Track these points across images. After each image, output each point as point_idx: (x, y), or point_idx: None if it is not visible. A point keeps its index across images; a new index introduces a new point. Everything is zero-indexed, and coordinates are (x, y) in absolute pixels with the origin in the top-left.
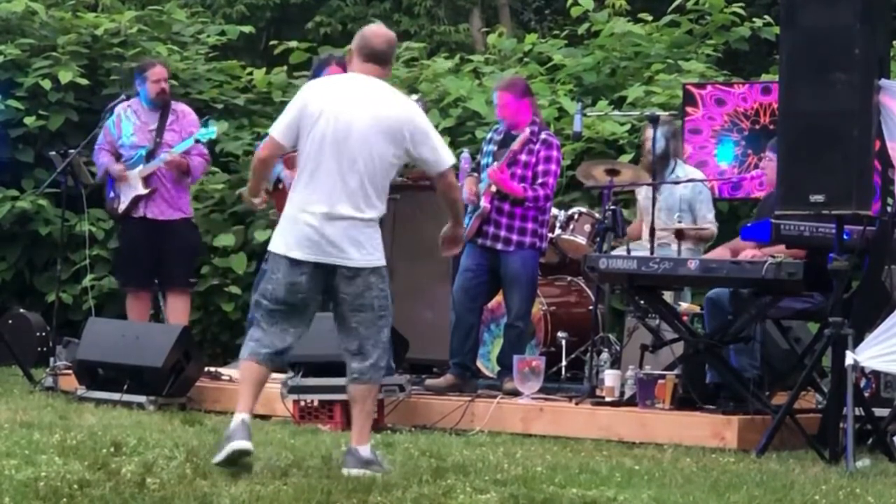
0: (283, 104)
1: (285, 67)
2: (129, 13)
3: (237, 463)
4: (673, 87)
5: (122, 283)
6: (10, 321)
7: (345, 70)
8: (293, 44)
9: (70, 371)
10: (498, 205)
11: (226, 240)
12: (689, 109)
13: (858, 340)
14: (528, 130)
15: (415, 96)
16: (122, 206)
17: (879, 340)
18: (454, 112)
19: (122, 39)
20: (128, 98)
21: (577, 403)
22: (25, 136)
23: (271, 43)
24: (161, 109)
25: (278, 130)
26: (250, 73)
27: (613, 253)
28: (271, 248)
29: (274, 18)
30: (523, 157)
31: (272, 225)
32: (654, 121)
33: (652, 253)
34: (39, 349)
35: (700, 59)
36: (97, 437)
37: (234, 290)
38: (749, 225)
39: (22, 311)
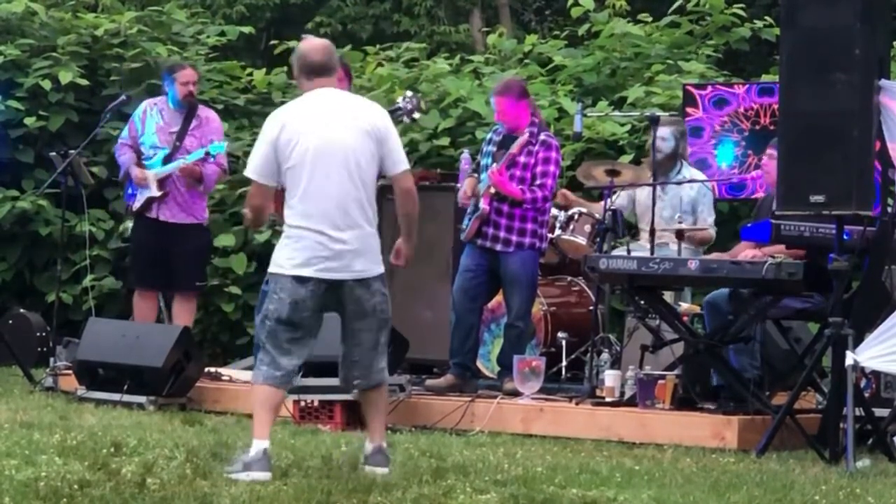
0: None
1: (285, 68)
2: (129, 14)
3: None
4: (673, 88)
5: (131, 283)
6: (10, 321)
7: (348, 72)
8: (293, 44)
9: (70, 371)
10: (497, 206)
11: (226, 240)
12: (689, 110)
13: (858, 340)
14: (527, 133)
15: (409, 92)
16: (137, 205)
17: (879, 340)
18: (454, 112)
19: (122, 40)
20: (128, 98)
21: (577, 404)
22: (25, 136)
23: (271, 43)
24: (186, 112)
25: (256, 172)
26: (250, 74)
27: (613, 253)
28: (272, 269)
29: (274, 18)
30: (522, 159)
31: (273, 226)
32: (655, 121)
33: (652, 253)
34: (39, 349)
35: (700, 59)
36: (97, 437)
37: (234, 290)
38: (749, 225)
39: (22, 311)
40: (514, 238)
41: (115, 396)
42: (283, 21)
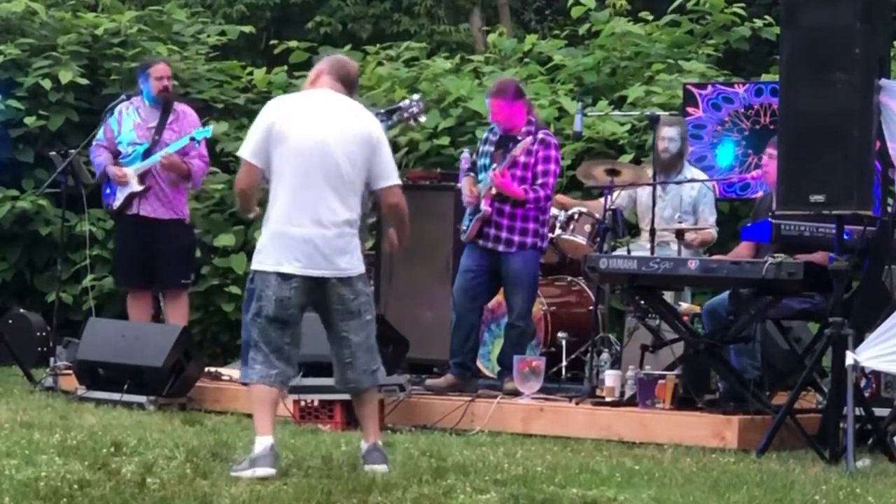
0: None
1: (285, 67)
2: (129, 13)
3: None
4: (673, 87)
5: (119, 283)
6: (10, 321)
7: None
8: (293, 44)
9: (70, 371)
10: (498, 206)
11: (226, 240)
12: (689, 109)
13: (858, 340)
14: (529, 139)
15: (416, 96)
16: (118, 203)
17: (879, 340)
18: (454, 112)
19: (122, 39)
20: (128, 98)
21: (577, 403)
22: (25, 136)
23: (271, 43)
24: (163, 107)
25: (250, 153)
26: (250, 73)
27: (614, 253)
28: (257, 266)
29: (274, 18)
30: (522, 159)
31: None
32: (655, 120)
33: (652, 253)
34: (39, 349)
35: (700, 59)
36: (97, 437)
37: (234, 290)
38: (749, 225)
39: (22, 311)
40: (515, 238)
41: (115, 396)
42: (283, 21)
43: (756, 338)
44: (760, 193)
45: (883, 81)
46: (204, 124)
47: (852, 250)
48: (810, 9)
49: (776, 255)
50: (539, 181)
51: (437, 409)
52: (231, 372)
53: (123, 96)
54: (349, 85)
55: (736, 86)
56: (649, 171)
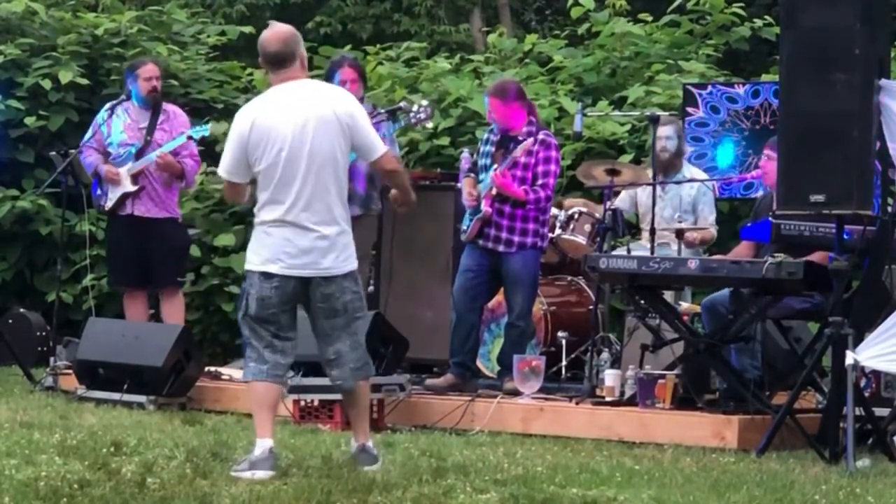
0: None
1: None
2: (129, 13)
3: None
4: (673, 88)
5: (114, 284)
6: (10, 321)
7: (357, 71)
8: None
9: (70, 371)
10: (499, 207)
11: (226, 240)
12: (689, 109)
13: (858, 340)
14: (530, 140)
15: (424, 102)
16: (110, 204)
17: (879, 340)
18: (454, 112)
19: (122, 39)
20: (128, 98)
21: (577, 403)
22: (25, 136)
23: None
24: (152, 108)
25: (226, 171)
26: (250, 74)
27: (614, 253)
28: (246, 266)
29: (274, 18)
30: (522, 159)
31: None
32: (655, 120)
33: (652, 253)
34: (39, 349)
35: (700, 59)
36: (97, 437)
37: (234, 289)
38: (749, 225)
39: (22, 310)
40: (516, 238)
41: (115, 396)
42: (283, 21)
43: (756, 337)
44: (761, 193)
45: (883, 82)
46: (204, 124)
47: (852, 250)
48: (810, 9)
49: (776, 254)
50: (539, 182)
51: (437, 408)
52: (231, 371)
53: (123, 96)
54: (284, 60)
55: (736, 86)
56: (649, 172)
